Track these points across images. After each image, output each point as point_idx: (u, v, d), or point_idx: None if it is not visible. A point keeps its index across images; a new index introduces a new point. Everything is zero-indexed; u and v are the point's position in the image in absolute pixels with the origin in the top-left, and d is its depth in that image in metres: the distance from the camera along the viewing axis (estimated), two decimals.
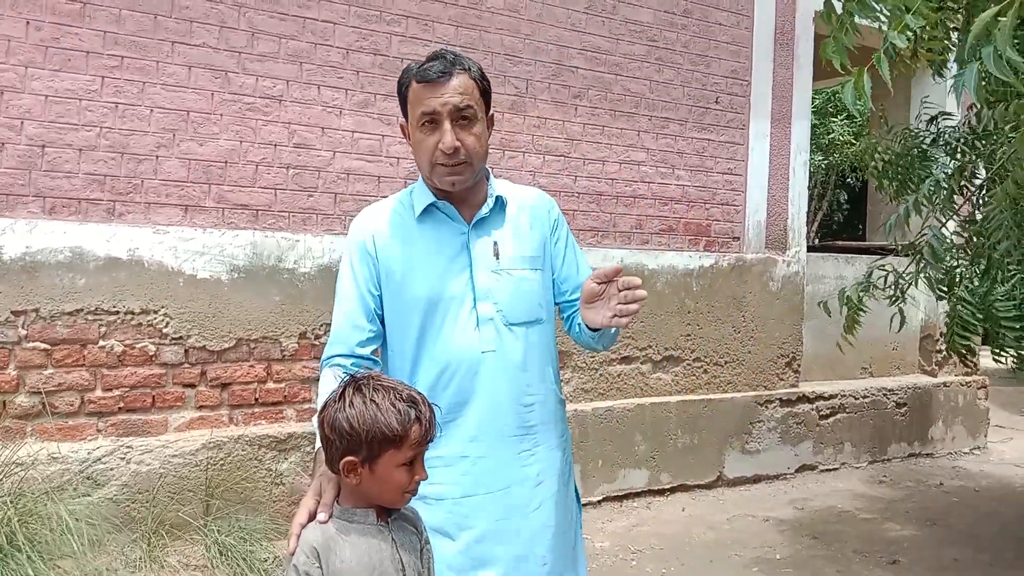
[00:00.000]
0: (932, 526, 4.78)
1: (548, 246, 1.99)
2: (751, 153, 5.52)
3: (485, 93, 1.91)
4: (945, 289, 3.43)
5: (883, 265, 3.63)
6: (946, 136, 4.14)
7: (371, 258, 1.91)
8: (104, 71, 3.67)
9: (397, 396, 1.45)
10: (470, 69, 1.87)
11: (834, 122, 11.95)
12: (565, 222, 2.08)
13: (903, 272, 3.55)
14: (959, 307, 3.28)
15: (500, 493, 1.84)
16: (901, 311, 3.55)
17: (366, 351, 1.88)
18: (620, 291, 1.73)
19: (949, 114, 4.29)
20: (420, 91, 1.83)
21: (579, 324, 1.93)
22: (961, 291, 3.29)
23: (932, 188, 3.18)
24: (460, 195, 1.91)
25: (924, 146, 4.17)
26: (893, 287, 3.49)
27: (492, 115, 1.96)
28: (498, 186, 1.97)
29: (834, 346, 5.96)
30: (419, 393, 1.50)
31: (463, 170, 1.85)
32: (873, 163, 4.12)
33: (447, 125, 1.81)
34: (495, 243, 1.91)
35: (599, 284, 1.77)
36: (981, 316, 3.18)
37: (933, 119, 4.33)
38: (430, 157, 1.84)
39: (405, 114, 1.91)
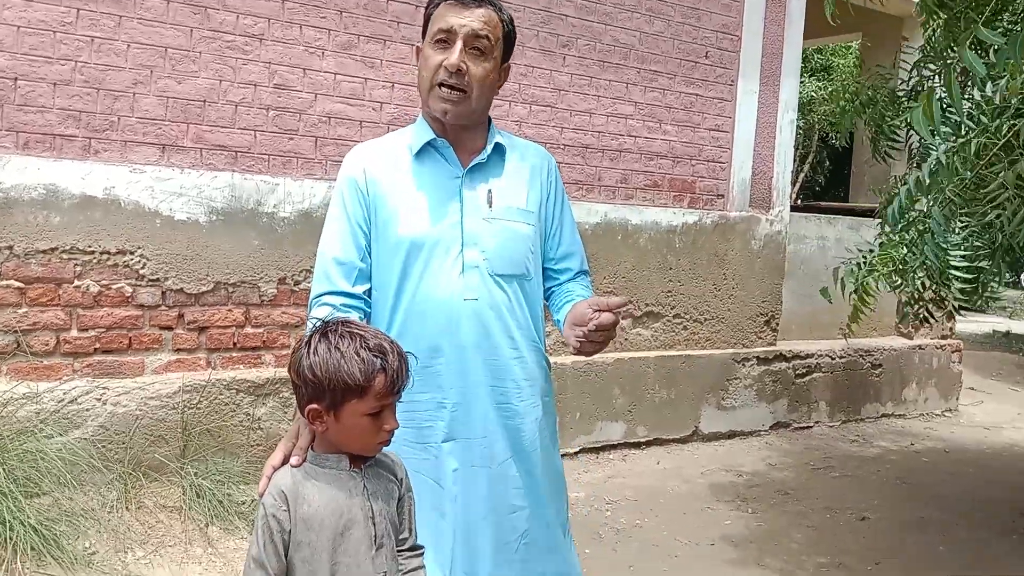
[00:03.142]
0: (901, 485, 4.86)
1: (544, 203, 1.96)
2: (739, 110, 5.47)
3: (508, 39, 1.89)
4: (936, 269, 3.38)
5: (881, 245, 3.54)
6: (918, 86, 4.11)
7: (361, 194, 1.86)
8: (79, 3, 3.55)
9: (363, 344, 1.41)
10: (501, 10, 1.86)
11: (805, 82, 11.91)
12: (562, 184, 2.05)
13: (904, 256, 3.48)
14: (922, 266, 3.21)
15: (476, 441, 1.83)
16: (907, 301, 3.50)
17: (358, 290, 1.84)
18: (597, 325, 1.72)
19: (924, 65, 4.26)
20: (445, 9, 1.83)
21: (558, 320, 1.95)
22: (928, 252, 3.23)
23: (934, 167, 3.11)
24: (459, 138, 1.88)
25: (900, 93, 4.14)
26: (899, 275, 3.43)
27: (508, 67, 1.93)
28: (499, 136, 1.94)
29: (812, 306, 6.03)
30: (391, 342, 1.45)
31: (460, 99, 1.81)
32: (843, 105, 4.07)
33: (458, 45, 1.79)
34: (489, 191, 1.87)
35: (593, 311, 1.74)
36: (937, 273, 3.14)
37: (915, 65, 4.30)
38: (432, 75, 1.81)
39: (423, 37, 1.89)
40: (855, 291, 3.31)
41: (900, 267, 3.15)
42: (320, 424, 1.44)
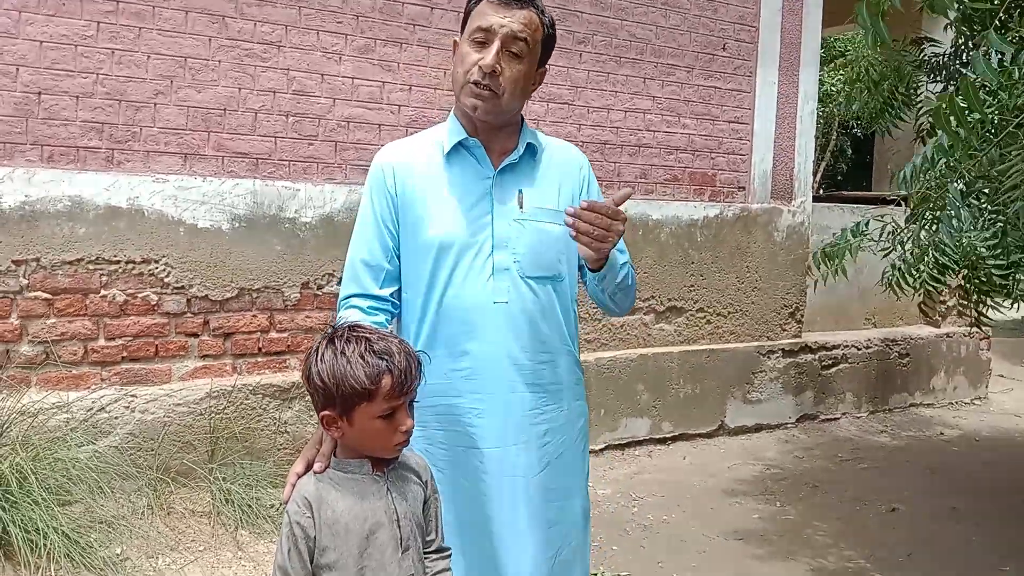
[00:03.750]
0: (931, 475, 4.81)
1: (576, 203, 1.89)
2: (758, 101, 5.43)
3: (547, 42, 1.85)
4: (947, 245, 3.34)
5: (881, 216, 3.54)
6: (932, 63, 4.08)
7: (390, 194, 1.85)
8: (99, 16, 3.60)
9: (368, 347, 1.41)
10: (543, 13, 1.83)
11: (827, 73, 11.71)
12: (596, 182, 2.00)
13: (904, 227, 3.46)
14: (937, 249, 3.19)
15: (509, 449, 1.81)
16: (895, 267, 3.49)
17: (385, 292, 1.83)
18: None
19: (936, 41, 4.23)
20: (486, 6, 1.78)
21: (584, 268, 1.89)
22: (943, 235, 3.21)
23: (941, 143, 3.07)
24: (490, 138, 1.85)
25: (909, 68, 4.10)
26: (890, 239, 3.40)
27: (544, 71, 1.89)
28: (531, 136, 1.91)
29: (837, 296, 5.98)
30: (399, 343, 1.45)
31: (490, 99, 1.77)
32: (858, 82, 4.05)
33: (496, 46, 1.75)
34: (520, 191, 1.84)
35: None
36: (958, 262, 3.11)
37: (916, 42, 4.26)
38: (466, 72, 1.78)
39: (462, 31, 1.85)
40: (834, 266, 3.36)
41: (915, 260, 3.12)
42: (335, 430, 1.45)
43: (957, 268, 3.03)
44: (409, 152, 1.89)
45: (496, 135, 1.86)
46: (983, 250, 2.88)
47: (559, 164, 1.93)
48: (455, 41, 1.87)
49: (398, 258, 1.85)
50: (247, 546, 3.41)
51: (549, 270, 1.84)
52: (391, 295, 1.84)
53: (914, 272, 3.09)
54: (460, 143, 1.85)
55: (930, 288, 3.12)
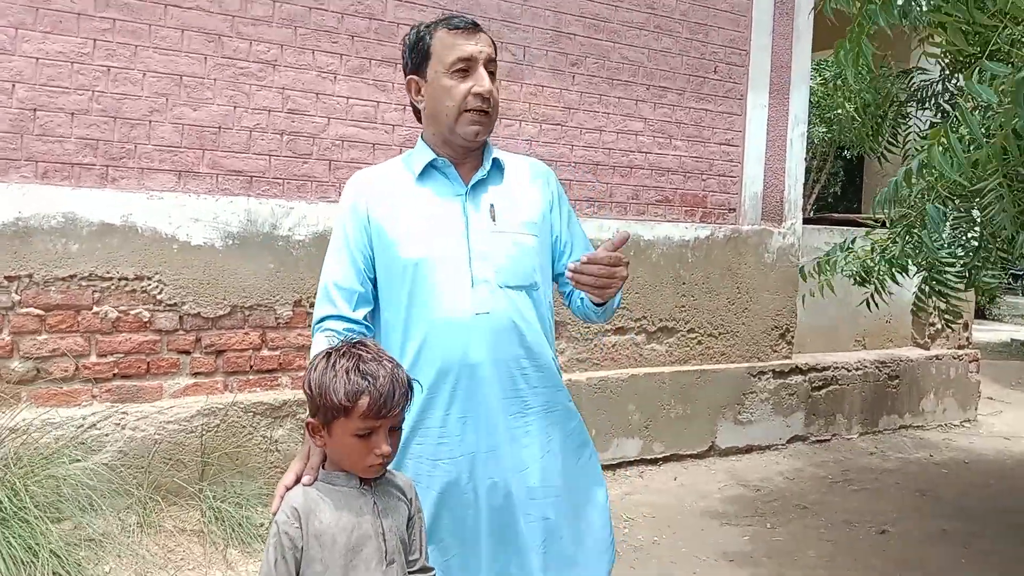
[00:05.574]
0: (922, 497, 4.82)
1: (547, 215, 1.98)
2: (749, 124, 5.49)
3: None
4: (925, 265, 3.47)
5: (868, 235, 3.64)
6: (922, 92, 4.16)
7: (363, 220, 1.89)
8: (96, 33, 3.62)
9: (356, 365, 1.45)
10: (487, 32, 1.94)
11: (824, 96, 11.82)
12: (564, 192, 2.08)
13: (883, 249, 3.54)
14: (936, 273, 3.37)
15: (493, 454, 1.83)
16: (875, 294, 3.62)
17: (358, 315, 1.86)
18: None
19: (925, 70, 4.29)
20: (452, 37, 1.85)
21: (581, 298, 1.95)
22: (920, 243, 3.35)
23: (925, 161, 3.14)
24: (461, 157, 1.91)
25: (900, 100, 4.18)
26: (875, 262, 3.50)
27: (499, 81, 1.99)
28: (496, 152, 1.98)
29: (828, 318, 6.02)
30: (392, 367, 1.47)
31: (486, 120, 1.87)
32: (844, 111, 4.19)
33: (482, 71, 1.84)
34: (492, 205, 1.89)
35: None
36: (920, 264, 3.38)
37: (906, 72, 4.32)
38: (460, 103, 1.84)
39: (418, 68, 1.91)
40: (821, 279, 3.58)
41: (869, 264, 3.29)
42: (319, 439, 1.49)
43: (916, 269, 3.31)
44: (380, 178, 1.95)
45: (466, 154, 1.92)
46: (945, 255, 3.05)
47: (527, 177, 2.00)
48: (413, 80, 1.93)
49: (371, 281, 1.90)
50: (237, 565, 3.40)
51: (526, 279, 1.89)
52: (364, 317, 1.88)
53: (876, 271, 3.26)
54: (430, 164, 1.90)
55: (886, 280, 3.33)
